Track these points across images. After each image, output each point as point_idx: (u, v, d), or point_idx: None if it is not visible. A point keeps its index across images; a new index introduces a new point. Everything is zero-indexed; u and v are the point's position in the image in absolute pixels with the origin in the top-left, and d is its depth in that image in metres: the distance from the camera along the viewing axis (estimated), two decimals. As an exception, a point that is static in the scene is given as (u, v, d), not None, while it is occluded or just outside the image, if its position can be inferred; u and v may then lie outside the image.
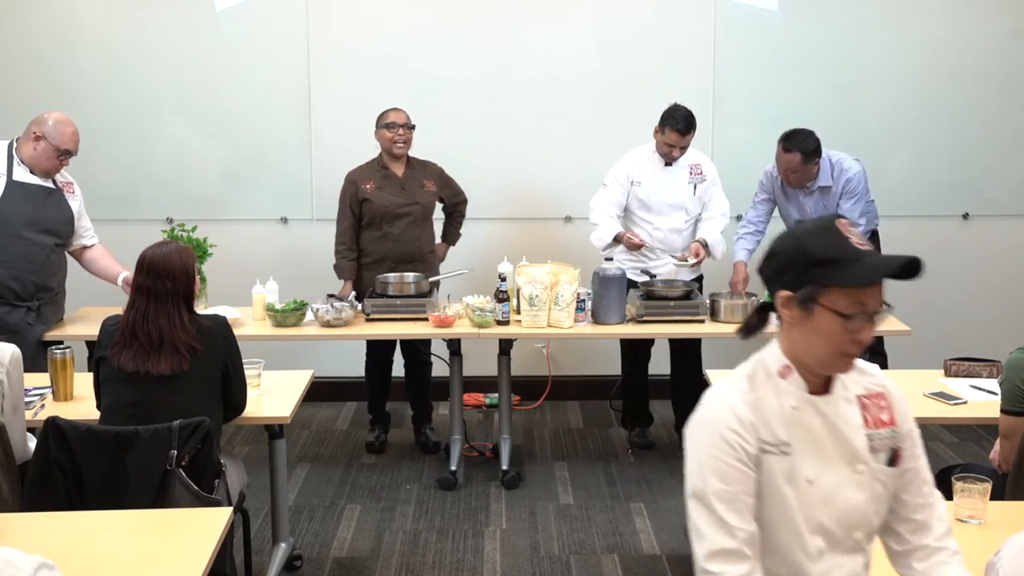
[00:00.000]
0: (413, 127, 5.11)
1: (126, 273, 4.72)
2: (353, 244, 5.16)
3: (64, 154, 4.61)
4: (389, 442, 5.53)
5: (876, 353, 5.16)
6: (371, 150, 5.45)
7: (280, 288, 4.93)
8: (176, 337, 3.25)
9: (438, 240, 5.37)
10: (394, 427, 5.76)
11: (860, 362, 2.11)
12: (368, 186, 5.09)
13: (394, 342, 5.33)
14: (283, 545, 4.00)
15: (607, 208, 5.09)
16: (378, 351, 5.35)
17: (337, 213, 5.19)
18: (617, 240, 5.01)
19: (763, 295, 2.14)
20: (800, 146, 4.98)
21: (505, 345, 4.94)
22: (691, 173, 5.14)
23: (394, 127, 5.06)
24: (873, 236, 5.33)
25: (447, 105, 5.68)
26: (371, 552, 4.27)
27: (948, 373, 4.09)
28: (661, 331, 4.92)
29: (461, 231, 5.41)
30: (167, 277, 3.27)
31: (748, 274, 5.19)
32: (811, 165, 5.02)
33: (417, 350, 5.34)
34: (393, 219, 5.10)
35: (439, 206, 5.34)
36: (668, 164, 5.11)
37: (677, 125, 4.96)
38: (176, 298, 3.28)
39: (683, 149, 5.05)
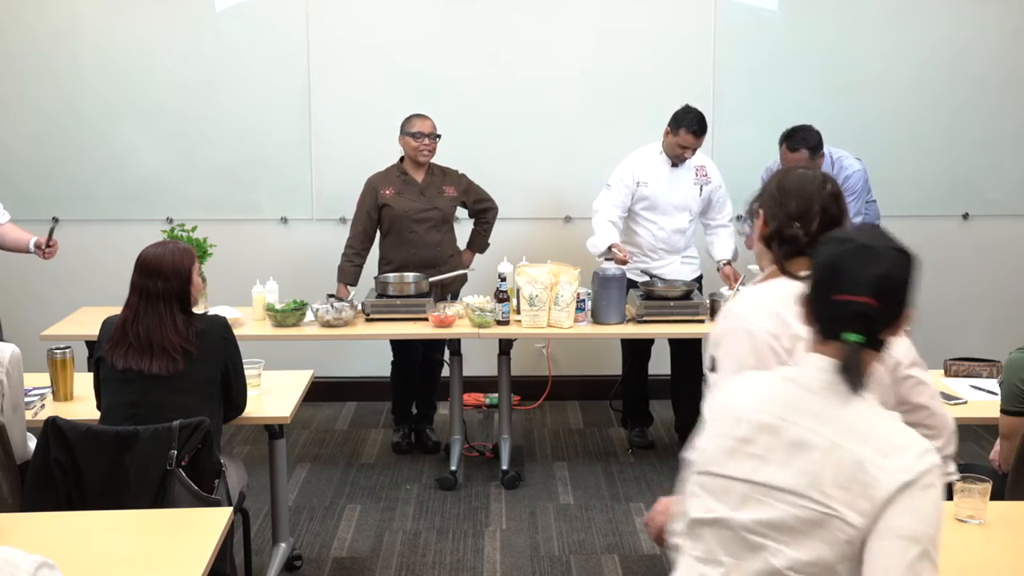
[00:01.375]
0: (439, 136, 5.10)
1: (36, 238, 4.72)
2: (362, 249, 5.15)
3: None
4: (389, 442, 5.53)
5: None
6: (371, 150, 5.46)
7: (280, 288, 4.93)
8: (166, 338, 3.24)
9: (462, 246, 5.34)
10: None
11: None
12: (387, 192, 5.09)
13: (419, 344, 5.28)
14: (283, 545, 4.00)
15: (609, 211, 5.09)
16: (405, 353, 5.31)
17: (353, 215, 5.19)
18: (609, 249, 5.01)
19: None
20: (805, 143, 4.99)
21: (505, 345, 4.94)
22: (696, 174, 5.16)
23: (419, 136, 5.04)
24: None
25: (447, 105, 5.68)
26: (371, 552, 4.27)
27: (948, 373, 4.09)
28: (661, 331, 4.92)
29: (490, 240, 5.36)
30: (158, 277, 3.27)
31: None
32: (818, 159, 5.04)
33: (432, 349, 5.34)
34: (412, 225, 5.09)
35: (464, 212, 5.37)
36: (675, 165, 5.12)
37: (693, 127, 4.97)
38: (168, 299, 3.27)
39: (694, 151, 5.07)
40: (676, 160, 5.10)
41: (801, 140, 4.98)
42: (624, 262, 4.98)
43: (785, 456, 1.81)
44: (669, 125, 5.05)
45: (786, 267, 2.26)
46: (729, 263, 5.16)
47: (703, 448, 1.91)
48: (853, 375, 1.80)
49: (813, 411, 1.82)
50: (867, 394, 1.82)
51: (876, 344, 1.83)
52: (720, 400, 1.95)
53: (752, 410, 1.86)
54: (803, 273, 2.03)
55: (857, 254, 1.84)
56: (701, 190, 5.16)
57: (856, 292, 1.81)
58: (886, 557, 1.72)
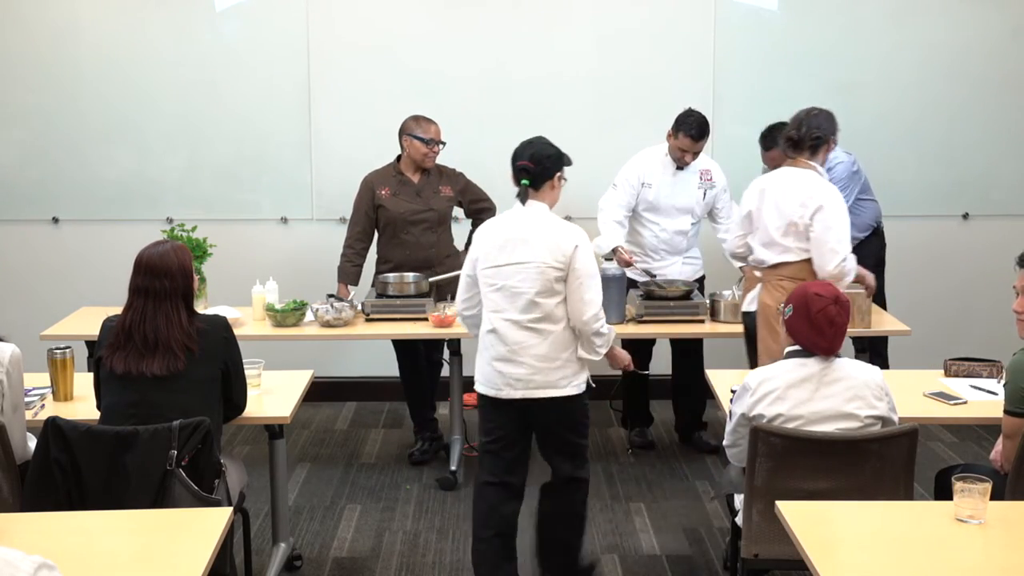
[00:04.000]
0: (444, 143, 5.10)
1: None
2: (361, 249, 5.14)
3: None
4: (389, 442, 5.53)
5: (877, 354, 5.16)
6: (371, 150, 5.46)
7: (280, 288, 4.93)
8: (172, 337, 3.24)
9: (459, 245, 5.31)
10: (394, 427, 5.77)
11: None
12: (384, 192, 5.07)
13: (420, 344, 5.22)
14: (283, 545, 4.01)
15: (615, 211, 5.10)
16: (409, 355, 5.24)
17: (351, 215, 5.19)
18: (614, 251, 5.01)
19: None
20: (777, 141, 4.99)
21: (505, 345, 4.94)
22: (701, 178, 5.16)
23: (432, 143, 5.02)
24: (876, 233, 5.33)
25: (447, 105, 5.68)
26: (371, 552, 4.27)
27: (948, 373, 4.09)
28: (661, 331, 4.92)
29: None
30: (165, 276, 3.26)
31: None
32: None
33: (432, 350, 5.32)
34: (408, 226, 5.08)
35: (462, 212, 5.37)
36: (680, 168, 5.12)
37: (691, 131, 4.98)
38: (175, 297, 3.27)
39: (695, 155, 5.07)
40: (679, 163, 5.10)
41: (773, 140, 5.00)
42: (628, 264, 4.99)
43: (523, 247, 3.54)
44: (671, 128, 5.05)
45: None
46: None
47: (483, 253, 3.61)
48: (523, 198, 3.61)
49: (527, 223, 3.58)
50: (545, 209, 3.62)
51: (536, 185, 3.61)
52: (480, 233, 3.69)
53: (500, 232, 3.61)
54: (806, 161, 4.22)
55: (524, 144, 3.67)
56: (705, 194, 5.17)
57: (522, 160, 3.62)
58: (574, 280, 3.51)
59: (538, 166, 3.60)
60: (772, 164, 5.07)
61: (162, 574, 2.49)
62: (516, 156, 3.64)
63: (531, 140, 3.68)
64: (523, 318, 3.53)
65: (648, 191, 5.13)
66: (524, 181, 3.59)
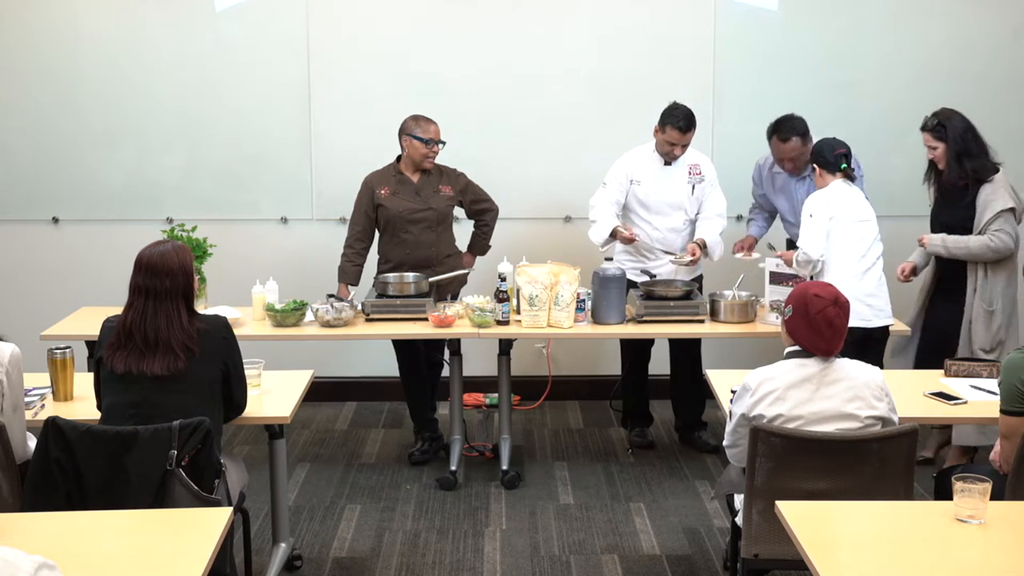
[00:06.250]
0: (444, 143, 5.10)
1: None
2: (362, 249, 5.13)
3: None
4: (389, 442, 5.53)
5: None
6: (371, 150, 5.46)
7: (280, 288, 4.93)
8: (173, 336, 3.24)
9: (461, 246, 5.31)
10: (394, 427, 5.77)
11: None
12: (383, 191, 5.07)
13: (420, 345, 5.21)
14: (283, 545, 4.01)
15: (606, 206, 5.10)
16: (411, 355, 5.23)
17: (351, 215, 5.19)
18: (613, 235, 5.02)
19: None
20: (794, 131, 5.01)
21: (505, 345, 4.94)
22: (690, 173, 5.15)
23: (432, 143, 5.01)
24: None
25: (447, 105, 5.67)
26: (371, 552, 4.27)
27: (948, 373, 4.09)
28: (661, 331, 4.92)
29: (490, 243, 5.33)
30: (166, 275, 3.26)
31: (754, 243, 5.34)
32: (808, 143, 5.04)
33: (432, 350, 5.32)
34: (407, 224, 5.07)
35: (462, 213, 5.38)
36: (667, 163, 5.11)
37: (678, 123, 4.97)
38: (175, 296, 3.27)
39: (684, 148, 5.05)
40: (667, 158, 5.09)
41: (790, 129, 5.00)
42: (630, 240, 4.99)
43: (860, 210, 4.65)
44: (658, 122, 5.05)
45: None
46: (699, 243, 5.06)
47: (839, 215, 4.59)
48: (848, 176, 4.70)
49: (856, 192, 4.72)
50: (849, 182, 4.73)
51: (851, 168, 4.70)
52: (831, 202, 4.68)
53: (845, 199, 4.65)
54: None
55: (831, 138, 4.74)
56: (694, 188, 5.15)
57: (841, 148, 4.67)
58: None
59: (849, 152, 4.72)
60: (789, 156, 5.04)
61: (162, 574, 2.49)
62: (832, 148, 4.66)
63: (833, 137, 4.76)
64: (865, 262, 4.65)
65: (637, 188, 5.12)
66: (843, 165, 4.66)
